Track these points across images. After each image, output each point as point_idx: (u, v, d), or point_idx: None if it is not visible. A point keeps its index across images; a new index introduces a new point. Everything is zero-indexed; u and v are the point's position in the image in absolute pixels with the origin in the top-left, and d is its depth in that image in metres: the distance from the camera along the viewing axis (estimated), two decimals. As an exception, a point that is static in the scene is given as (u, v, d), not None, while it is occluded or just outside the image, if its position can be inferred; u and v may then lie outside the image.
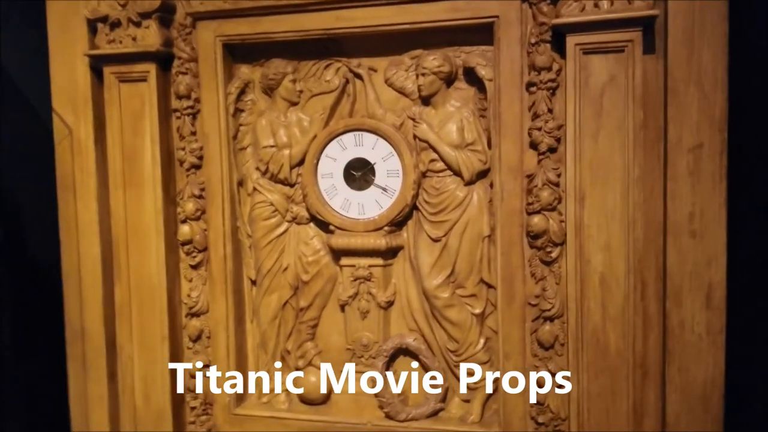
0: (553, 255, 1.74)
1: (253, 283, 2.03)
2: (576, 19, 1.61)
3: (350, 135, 1.90)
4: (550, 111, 1.71)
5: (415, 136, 1.86)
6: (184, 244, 2.00)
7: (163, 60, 1.94)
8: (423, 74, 1.80)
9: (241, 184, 2.00)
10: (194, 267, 2.01)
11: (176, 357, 2.00)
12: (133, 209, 1.97)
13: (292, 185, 1.97)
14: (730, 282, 1.61)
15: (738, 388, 1.63)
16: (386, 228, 1.88)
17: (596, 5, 1.59)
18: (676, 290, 1.64)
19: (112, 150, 1.97)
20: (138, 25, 1.89)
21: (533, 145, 1.73)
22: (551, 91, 1.70)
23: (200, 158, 1.97)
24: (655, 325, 1.69)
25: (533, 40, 1.70)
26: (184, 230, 1.99)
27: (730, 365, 1.61)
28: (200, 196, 1.98)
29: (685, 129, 1.60)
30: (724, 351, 1.62)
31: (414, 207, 1.88)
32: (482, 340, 1.87)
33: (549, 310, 1.76)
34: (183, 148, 1.98)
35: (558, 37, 1.67)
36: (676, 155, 1.61)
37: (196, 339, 2.02)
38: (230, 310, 1.98)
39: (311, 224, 1.98)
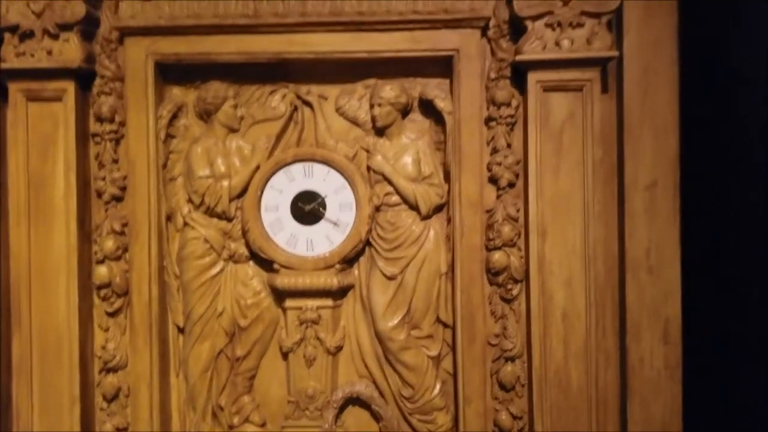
0: (514, 292, 1.71)
1: (181, 330, 1.80)
2: (538, 56, 1.62)
3: (299, 165, 1.77)
4: (509, 146, 1.70)
5: (369, 168, 1.77)
6: (100, 287, 1.74)
7: (83, 78, 1.71)
8: (379, 104, 1.73)
9: (169, 218, 1.79)
10: (111, 314, 1.76)
11: (87, 422, 1.71)
12: (38, 246, 1.69)
13: (230, 219, 1.79)
14: (684, 316, 1.65)
15: (695, 420, 1.66)
16: (337, 265, 1.75)
17: (557, 44, 1.61)
18: (635, 326, 1.66)
19: (15, 177, 1.69)
20: (55, 37, 1.66)
21: (493, 180, 1.71)
22: (510, 126, 1.70)
23: (123, 189, 1.74)
24: (615, 361, 1.69)
25: (493, 75, 1.69)
26: (101, 272, 1.73)
27: (687, 398, 1.63)
28: (121, 232, 1.74)
29: (641, 167, 1.65)
30: (681, 384, 1.64)
31: (367, 243, 1.77)
32: (438, 384, 1.78)
33: (510, 350, 1.71)
34: (103, 178, 1.74)
35: (517, 73, 1.68)
36: (633, 193, 1.65)
37: (112, 398, 1.75)
38: (154, 363, 1.74)
39: (251, 263, 1.81)
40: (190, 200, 1.78)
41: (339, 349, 1.79)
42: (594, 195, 1.65)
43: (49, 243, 1.69)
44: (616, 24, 1.63)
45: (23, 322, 1.69)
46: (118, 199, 1.74)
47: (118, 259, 1.74)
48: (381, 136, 1.77)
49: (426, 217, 1.75)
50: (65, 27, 1.66)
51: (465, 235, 1.69)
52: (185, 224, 1.78)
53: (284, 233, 1.77)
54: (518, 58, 1.63)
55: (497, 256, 1.69)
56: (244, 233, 1.77)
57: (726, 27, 1.75)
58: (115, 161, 1.74)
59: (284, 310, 1.78)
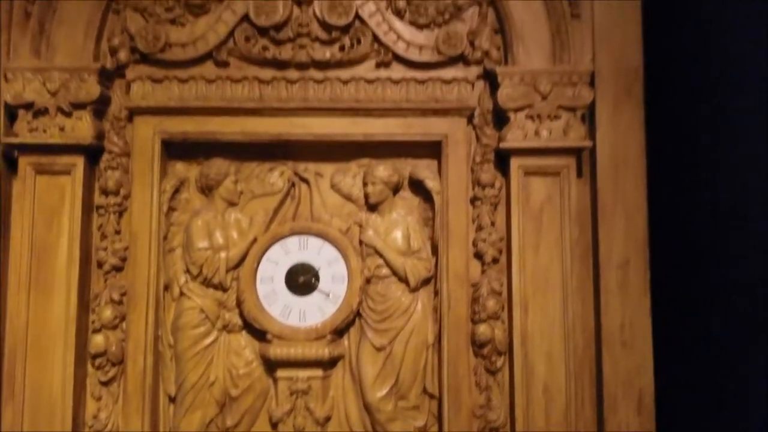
0: (498, 364, 1.79)
1: (172, 400, 1.83)
2: (519, 144, 1.77)
3: (295, 239, 1.86)
4: (492, 224, 1.82)
5: (361, 242, 1.86)
6: (95, 356, 1.77)
7: (92, 153, 1.80)
8: (372, 183, 1.85)
9: (166, 288, 1.85)
10: (105, 383, 1.78)
11: (76, 492, 1.71)
12: (37, 315, 1.73)
13: (225, 290, 1.85)
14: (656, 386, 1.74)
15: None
16: (329, 336, 1.82)
17: (537, 134, 1.77)
18: (611, 397, 1.74)
19: (18, 246, 1.74)
20: (68, 115, 1.76)
21: (478, 255, 1.81)
22: (494, 205, 1.83)
23: (123, 260, 1.80)
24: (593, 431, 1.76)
25: (478, 159, 1.82)
26: (97, 341, 1.77)
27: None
28: (120, 302, 1.79)
29: (614, 246, 1.78)
30: (654, 453, 1.73)
31: (357, 314, 1.84)
32: (423, 455, 1.82)
33: (495, 420, 1.77)
34: (104, 248, 1.80)
35: (500, 158, 1.82)
36: (607, 270, 1.77)
37: (103, 468, 1.75)
38: (146, 432, 1.75)
39: (244, 333, 1.86)
40: (187, 271, 1.84)
41: (328, 419, 1.83)
42: (572, 272, 1.76)
43: (48, 312, 1.73)
44: (589, 117, 1.79)
45: (16, 389, 1.70)
46: (118, 269, 1.80)
47: (114, 328, 1.78)
48: (373, 211, 1.88)
49: (414, 290, 1.84)
50: (79, 106, 1.76)
51: (452, 307, 1.78)
52: (182, 294, 1.84)
53: (278, 304, 1.83)
54: (502, 145, 1.78)
55: (482, 329, 1.77)
56: (239, 303, 1.83)
57: (690, 121, 1.94)
58: (118, 233, 1.81)
59: (275, 380, 1.82)
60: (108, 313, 1.77)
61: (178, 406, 1.82)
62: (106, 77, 1.79)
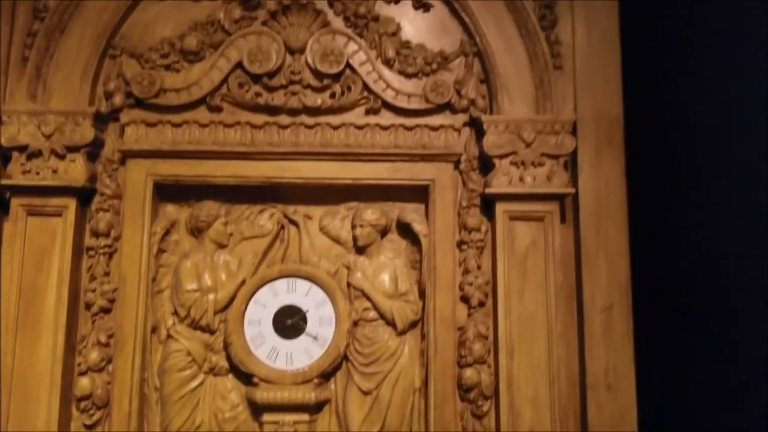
0: (484, 409, 1.79)
1: (156, 443, 1.81)
2: (504, 190, 1.81)
3: (283, 281, 1.87)
4: (479, 267, 1.85)
5: (349, 285, 1.88)
6: (80, 399, 1.76)
7: (84, 195, 1.82)
8: (361, 226, 1.87)
9: (154, 330, 1.85)
10: (89, 427, 1.77)
11: None
12: (23, 356, 1.72)
13: (213, 332, 1.85)
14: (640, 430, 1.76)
15: None
16: (315, 380, 1.82)
17: (521, 180, 1.81)
18: (597, 442, 1.75)
19: (7, 288, 1.75)
20: (62, 157, 1.78)
21: (465, 299, 1.84)
22: (480, 249, 1.86)
23: (111, 301, 1.81)
24: (579, 477, 1.76)
25: (464, 203, 1.86)
26: (83, 383, 1.76)
27: None
28: (107, 344, 1.79)
29: (597, 291, 1.81)
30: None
31: (344, 357, 1.85)
32: (412, 500, 1.81)
33: (482, 466, 1.77)
34: (93, 290, 1.80)
35: (486, 203, 1.86)
36: (591, 314, 1.80)
37: None
38: (129, 478, 1.73)
39: (230, 376, 1.85)
40: (175, 312, 1.84)
41: (314, 464, 1.82)
42: (556, 316, 1.79)
43: (35, 353, 1.72)
44: (571, 164, 1.84)
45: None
46: (107, 311, 1.80)
47: (101, 370, 1.78)
48: (361, 254, 1.90)
49: (402, 333, 1.85)
50: (73, 149, 1.79)
51: (438, 351, 1.79)
52: (169, 336, 1.84)
53: (265, 347, 1.84)
54: (487, 190, 1.82)
55: (469, 373, 1.78)
56: (226, 346, 1.83)
57: (670, 167, 2.00)
58: (107, 274, 1.81)
59: (261, 424, 1.81)
60: (94, 355, 1.77)
61: (162, 451, 1.79)
62: (101, 121, 1.83)
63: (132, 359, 1.77)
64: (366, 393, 1.82)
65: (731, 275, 1.72)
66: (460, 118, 1.87)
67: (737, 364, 1.69)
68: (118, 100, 1.83)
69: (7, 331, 1.72)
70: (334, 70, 1.84)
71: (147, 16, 1.87)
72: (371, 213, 1.87)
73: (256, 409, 1.81)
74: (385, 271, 1.88)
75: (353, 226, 1.89)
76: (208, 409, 1.82)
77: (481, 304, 1.83)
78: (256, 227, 1.91)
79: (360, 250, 1.89)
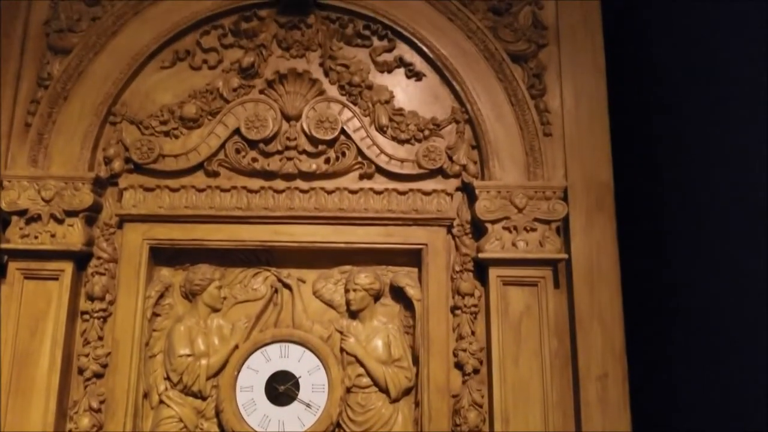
0: (481, 480, 1.75)
1: None
2: (497, 255, 1.82)
3: (276, 346, 1.87)
4: (473, 333, 1.83)
5: (342, 350, 1.87)
6: (71, 466, 1.74)
7: (80, 259, 1.84)
8: (354, 290, 1.88)
9: (146, 395, 1.84)
10: (79, 496, 1.73)
11: None
12: (14, 422, 1.71)
13: (204, 398, 1.84)
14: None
15: None
16: (307, 449, 1.79)
17: (514, 244, 1.82)
18: None
19: (2, 353, 1.75)
20: (60, 221, 1.81)
21: (459, 366, 1.82)
22: (474, 314, 1.85)
23: (104, 366, 1.80)
24: None
25: (458, 268, 1.86)
26: (74, 449, 1.74)
27: None
28: (98, 410, 1.78)
29: (592, 359, 1.78)
30: None
31: (337, 425, 1.83)
32: None
33: None
34: (86, 355, 1.80)
35: (479, 267, 1.86)
36: (587, 383, 1.77)
37: None
38: None
39: (221, 443, 1.83)
40: (167, 378, 1.84)
41: None
42: (552, 384, 1.76)
43: (26, 418, 1.71)
44: (564, 229, 1.85)
45: (-15, 502, 1.66)
46: (99, 376, 1.80)
47: (91, 437, 1.76)
48: (354, 318, 1.89)
49: (395, 400, 1.83)
50: (71, 213, 1.81)
51: (433, 420, 1.77)
52: (161, 402, 1.83)
53: (257, 414, 1.82)
54: (480, 255, 1.82)
55: (464, 442, 1.75)
56: (218, 413, 1.81)
57: (662, 230, 2.00)
58: (101, 338, 1.81)
59: (251, 494, 1.78)
60: (86, 421, 1.76)
61: None
62: (100, 186, 1.86)
63: (123, 425, 1.75)
64: (359, 463, 1.79)
65: (730, 337, 1.70)
66: (453, 183, 1.89)
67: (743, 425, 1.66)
68: (117, 165, 1.87)
69: (1, 394, 1.71)
70: (329, 136, 1.88)
71: (148, 85, 1.92)
72: (365, 277, 1.88)
73: (247, 478, 1.78)
74: (379, 336, 1.87)
75: (347, 290, 1.89)
76: (199, 477, 1.79)
77: (476, 371, 1.81)
78: (249, 291, 1.92)
79: (353, 314, 1.89)
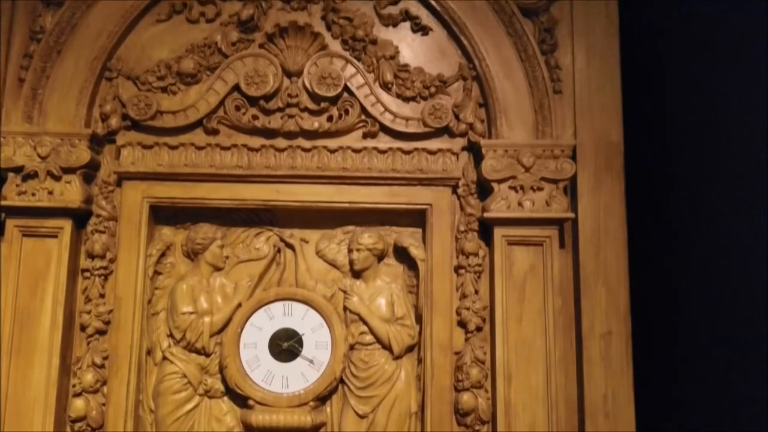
0: (481, 433, 1.78)
1: (151, 466, 1.80)
2: (503, 215, 1.80)
3: (279, 304, 1.86)
4: (476, 292, 1.83)
5: (345, 309, 1.87)
6: (75, 421, 1.75)
7: (79, 217, 1.81)
8: (357, 250, 1.86)
9: (149, 352, 1.84)
10: (84, 448, 1.76)
11: None
12: (18, 379, 1.72)
13: (208, 355, 1.85)
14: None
15: None
16: (311, 403, 1.81)
17: (520, 204, 1.80)
18: (595, 469, 1.74)
19: (3, 311, 1.74)
20: (57, 179, 1.77)
21: (462, 324, 1.82)
22: (478, 274, 1.84)
23: (107, 323, 1.80)
24: (576, 505, 1.75)
25: (462, 228, 1.85)
26: (78, 405, 1.76)
27: None
28: (101, 366, 1.78)
29: (596, 317, 1.79)
30: None
31: (340, 381, 1.84)
32: None
33: (478, 492, 1.75)
34: (88, 312, 1.80)
35: (484, 227, 1.84)
36: (590, 341, 1.78)
37: None
38: (124, 500, 1.72)
39: (225, 398, 1.85)
40: (171, 335, 1.84)
41: (309, 487, 1.81)
42: (555, 342, 1.77)
43: (29, 375, 1.72)
44: (571, 189, 1.83)
45: (-7, 456, 1.68)
46: (102, 333, 1.80)
47: (95, 392, 1.77)
48: (358, 278, 1.89)
49: (398, 357, 1.84)
50: (68, 170, 1.78)
51: (435, 376, 1.78)
52: (164, 358, 1.83)
53: (261, 370, 1.83)
54: (485, 215, 1.81)
55: (466, 398, 1.77)
56: (222, 369, 1.82)
57: (670, 192, 1.99)
58: (102, 296, 1.81)
59: (256, 446, 1.81)
60: (89, 377, 1.76)
61: (157, 473, 1.79)
62: (97, 143, 1.82)
63: (127, 381, 1.76)
64: (362, 417, 1.81)
65: (732, 300, 1.71)
66: (459, 143, 1.86)
67: (737, 392, 1.68)
68: (114, 122, 1.83)
69: (2, 353, 1.71)
70: (332, 93, 1.83)
71: (143, 39, 1.86)
72: (368, 237, 1.86)
73: (251, 432, 1.80)
74: (382, 295, 1.87)
75: (350, 250, 1.87)
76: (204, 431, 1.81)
77: (479, 329, 1.82)
78: (252, 251, 1.90)
79: (356, 274, 1.88)
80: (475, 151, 1.84)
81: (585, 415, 1.75)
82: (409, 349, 1.85)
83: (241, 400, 1.82)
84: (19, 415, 1.70)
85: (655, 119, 2.01)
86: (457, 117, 1.85)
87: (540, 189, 1.80)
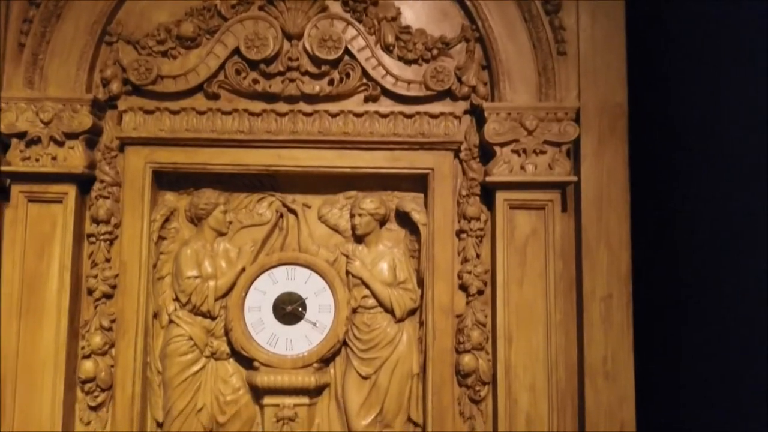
0: (482, 394, 1.81)
1: (160, 425, 1.85)
2: (505, 178, 1.79)
3: (282, 269, 1.88)
4: (478, 256, 1.84)
5: (348, 273, 1.88)
6: (85, 382, 1.79)
7: (83, 182, 1.82)
8: (360, 215, 1.87)
9: (155, 315, 1.87)
10: (94, 408, 1.81)
11: None
12: (27, 342, 1.75)
13: (213, 318, 1.88)
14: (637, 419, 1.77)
15: None
16: (315, 365, 1.84)
17: (522, 168, 1.79)
18: (593, 429, 1.76)
19: (10, 275, 1.77)
20: (60, 144, 1.78)
21: (463, 287, 1.83)
22: (479, 238, 1.84)
23: (113, 287, 1.83)
24: (574, 463, 1.78)
25: (464, 192, 1.85)
26: (87, 366, 1.79)
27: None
28: (109, 329, 1.82)
29: (597, 280, 1.79)
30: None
31: (343, 343, 1.87)
32: (396, 476, 1.84)
33: (478, 450, 1.79)
34: (95, 276, 1.82)
35: (486, 191, 1.84)
36: (591, 304, 1.79)
37: (90, 492, 1.77)
38: (134, 458, 1.78)
39: (231, 360, 1.88)
40: (176, 299, 1.87)
41: (313, 446, 1.85)
42: (555, 305, 1.78)
43: (38, 339, 1.75)
44: (574, 152, 1.81)
45: (7, 413, 1.73)
46: (108, 296, 1.82)
47: (104, 354, 1.81)
48: (360, 243, 1.90)
49: (400, 320, 1.86)
50: (71, 136, 1.78)
51: (437, 338, 1.80)
52: (170, 322, 1.87)
53: (265, 333, 1.86)
54: (487, 179, 1.80)
55: (467, 359, 1.80)
56: (227, 332, 1.85)
57: (674, 156, 1.97)
58: (108, 260, 1.83)
59: (262, 407, 1.84)
60: (97, 339, 1.80)
61: (165, 432, 1.84)
62: (99, 108, 1.82)
63: (134, 344, 1.80)
64: (365, 378, 1.84)
65: (732, 266, 1.70)
66: (461, 106, 1.84)
67: (737, 354, 1.69)
68: (115, 87, 1.82)
69: (11, 316, 1.75)
70: (333, 56, 1.81)
71: (142, 2, 1.84)
72: (370, 202, 1.86)
73: (257, 393, 1.85)
74: (384, 259, 1.88)
75: (352, 215, 1.88)
76: (210, 392, 1.85)
77: (480, 293, 1.83)
78: (255, 216, 1.91)
79: (359, 239, 1.89)
80: (477, 114, 1.83)
81: (585, 376, 1.77)
82: (411, 312, 1.87)
83: (246, 361, 1.85)
84: (31, 375, 1.74)
85: (660, 82, 1.98)
86: (459, 80, 1.83)
87: (543, 152, 1.79)
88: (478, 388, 1.80)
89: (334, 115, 1.82)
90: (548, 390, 1.77)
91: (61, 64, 1.80)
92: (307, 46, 1.82)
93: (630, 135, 1.81)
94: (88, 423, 1.80)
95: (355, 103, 1.84)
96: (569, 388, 1.79)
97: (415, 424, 1.85)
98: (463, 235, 1.84)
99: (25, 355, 1.75)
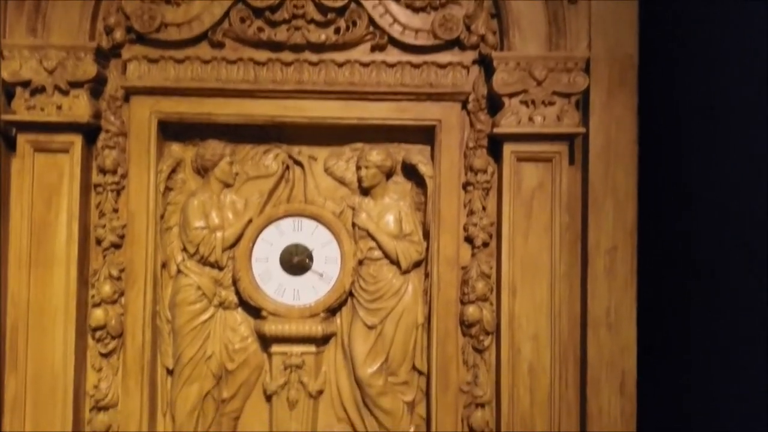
0: (485, 343, 1.84)
1: (170, 372, 1.89)
2: (513, 130, 1.78)
3: (289, 220, 1.89)
4: (484, 209, 1.84)
5: (354, 225, 1.89)
6: (95, 329, 1.82)
7: (89, 132, 1.82)
8: (366, 167, 1.86)
9: (164, 265, 1.89)
10: (105, 355, 1.84)
11: (78, 459, 1.79)
12: (38, 291, 1.78)
13: (221, 268, 1.90)
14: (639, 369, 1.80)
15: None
16: (322, 314, 1.87)
17: (530, 119, 1.77)
18: (595, 379, 1.80)
19: (18, 225, 1.78)
20: (65, 93, 1.76)
21: (468, 240, 1.84)
22: (485, 191, 1.84)
23: (121, 237, 1.84)
24: (576, 411, 1.82)
25: (471, 144, 1.84)
26: (97, 314, 1.82)
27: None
28: (118, 278, 1.84)
29: (603, 233, 1.80)
30: (635, 432, 1.79)
31: (350, 294, 1.89)
32: (412, 428, 1.89)
33: (481, 396, 1.83)
34: (103, 226, 1.83)
35: (493, 143, 1.83)
36: (595, 256, 1.80)
37: (102, 437, 1.83)
38: (144, 403, 1.82)
39: (239, 309, 1.91)
40: (184, 249, 1.88)
41: (320, 393, 1.89)
42: (560, 257, 1.79)
43: (49, 287, 1.78)
44: (583, 104, 1.80)
45: (19, 361, 1.76)
46: (117, 246, 1.84)
47: (113, 303, 1.83)
48: (366, 195, 1.90)
49: (405, 272, 1.88)
50: (76, 84, 1.76)
51: (441, 289, 1.82)
52: (179, 272, 1.88)
53: (273, 283, 1.88)
54: (495, 130, 1.79)
55: (471, 310, 1.82)
56: (235, 282, 1.87)
57: (683, 110, 1.95)
58: (116, 211, 1.84)
59: (270, 355, 1.88)
60: (107, 288, 1.82)
61: (175, 379, 1.88)
62: (103, 56, 1.80)
63: (144, 293, 1.82)
64: (370, 328, 1.87)
65: (738, 223, 1.71)
66: (469, 56, 1.81)
67: (740, 306, 1.71)
68: (118, 35, 1.80)
69: (21, 266, 1.76)
70: (339, 3, 1.77)
71: (145, -54, 1.80)
72: (377, 154, 1.86)
73: (265, 341, 1.88)
74: (390, 212, 1.88)
75: (358, 168, 1.88)
76: (219, 340, 1.88)
77: (485, 245, 1.84)
78: (261, 167, 1.91)
79: (365, 191, 1.89)
80: (486, 64, 1.80)
81: (587, 327, 1.80)
82: (417, 264, 1.88)
83: (254, 311, 1.88)
84: (42, 324, 1.77)
85: (672, 34, 1.94)
86: (468, 28, 1.79)
87: (551, 104, 1.77)
88: (481, 337, 1.83)
89: (340, 65, 1.80)
90: (551, 340, 1.79)
91: (64, 11, 1.77)
92: (313, -7, 1.78)
93: (639, 87, 1.78)
94: (100, 369, 1.84)
95: (361, 53, 1.82)
96: (572, 338, 1.81)
97: (420, 373, 1.89)
98: (470, 188, 1.84)
99: (36, 304, 1.77)
